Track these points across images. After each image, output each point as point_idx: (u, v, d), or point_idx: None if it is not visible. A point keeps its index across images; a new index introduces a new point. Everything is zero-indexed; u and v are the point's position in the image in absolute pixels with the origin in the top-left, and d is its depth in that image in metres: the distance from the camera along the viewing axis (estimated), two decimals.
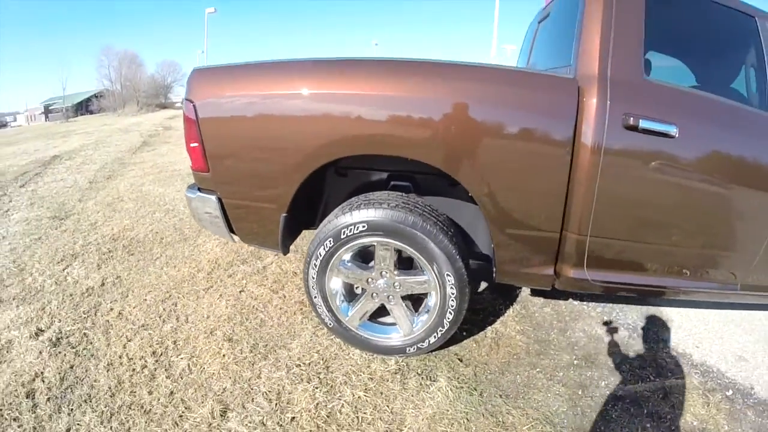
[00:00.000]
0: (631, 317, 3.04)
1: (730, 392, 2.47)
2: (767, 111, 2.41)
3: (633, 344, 2.73)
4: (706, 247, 2.46)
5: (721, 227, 2.44)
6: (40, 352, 2.44)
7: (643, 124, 2.01)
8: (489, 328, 2.73)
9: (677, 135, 2.05)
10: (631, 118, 2.00)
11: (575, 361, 2.50)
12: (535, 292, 3.20)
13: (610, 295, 3.21)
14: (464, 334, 2.60)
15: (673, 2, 2.54)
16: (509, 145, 2.03)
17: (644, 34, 2.11)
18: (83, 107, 59.76)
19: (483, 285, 3.26)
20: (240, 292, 3.10)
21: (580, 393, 2.24)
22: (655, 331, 2.92)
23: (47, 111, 64.46)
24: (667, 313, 3.14)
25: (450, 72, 2.09)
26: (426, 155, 2.05)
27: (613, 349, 2.70)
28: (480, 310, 2.90)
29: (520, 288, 3.21)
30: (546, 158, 2.01)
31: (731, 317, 3.16)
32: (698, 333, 2.96)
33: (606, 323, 2.96)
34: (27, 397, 2.11)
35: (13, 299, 3.07)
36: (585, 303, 3.13)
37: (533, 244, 2.22)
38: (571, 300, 3.15)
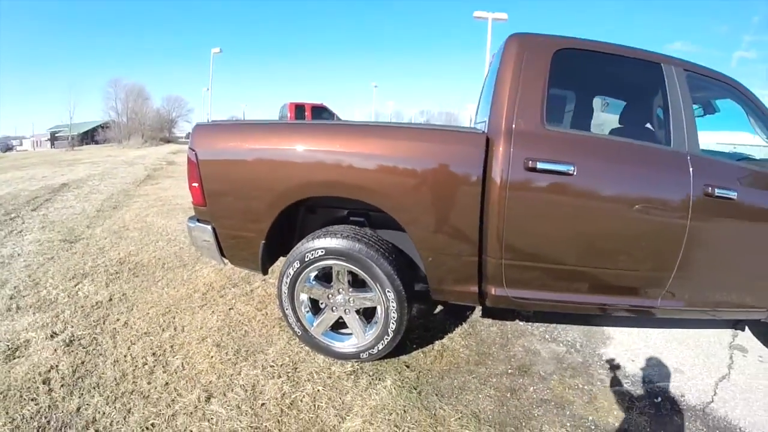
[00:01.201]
0: (571, 335, 3.44)
1: (659, 399, 2.79)
2: (670, 146, 2.80)
3: (569, 358, 3.09)
4: (615, 268, 2.83)
5: (627, 250, 2.81)
6: (55, 350, 2.88)
7: (541, 165, 2.50)
8: (437, 342, 3.14)
9: (575, 172, 2.52)
10: (530, 162, 2.49)
11: (509, 371, 2.88)
12: (485, 314, 3.64)
13: (537, 310, 3.62)
14: (414, 346, 3.04)
15: (578, 62, 3.04)
16: (431, 187, 2.56)
17: (546, 93, 2.62)
18: (89, 137, 60.12)
19: (439, 308, 3.72)
20: (229, 309, 3.57)
21: (508, 395, 2.62)
22: (593, 347, 3.29)
23: (53, 138, 64.98)
24: (609, 331, 3.53)
25: (385, 132, 2.73)
26: (366, 197, 2.60)
27: (549, 361, 3.04)
28: (431, 327, 3.35)
29: (472, 310, 3.67)
30: (460, 197, 2.52)
31: (675, 335, 3.53)
32: (636, 348, 3.32)
33: (546, 340, 3.35)
34: (43, 383, 2.55)
35: (30, 307, 3.52)
36: (530, 323, 3.56)
37: (457, 266, 2.70)
38: (517, 321, 3.58)
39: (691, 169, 2.67)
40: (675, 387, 2.90)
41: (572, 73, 3.24)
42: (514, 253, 2.64)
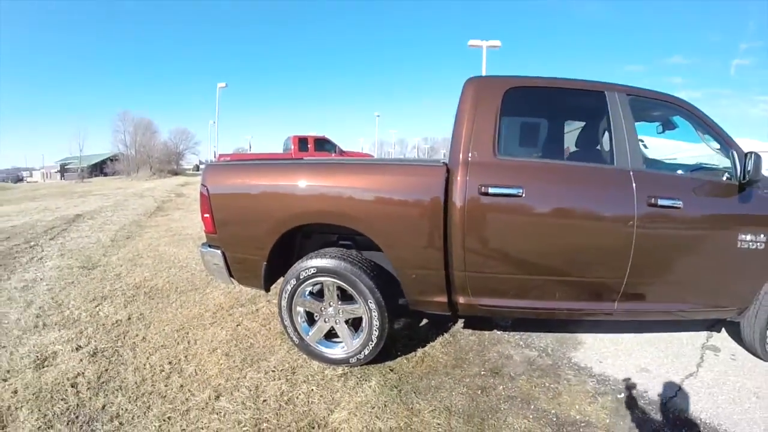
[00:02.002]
0: (544, 341, 3.76)
1: (622, 395, 3.04)
2: (613, 164, 3.12)
3: (540, 361, 3.41)
4: (569, 276, 3.15)
5: (579, 260, 3.14)
6: (81, 360, 3.28)
7: (492, 190, 2.92)
8: (419, 350, 3.49)
9: (523, 194, 2.93)
10: (483, 187, 2.92)
11: (482, 372, 3.21)
12: (465, 325, 4.01)
13: (505, 316, 3.98)
14: (398, 353, 3.41)
15: (527, 98, 3.50)
16: (401, 213, 3.02)
17: (497, 127, 3.06)
18: (98, 169, 61.09)
19: (423, 321, 4.10)
20: (237, 325, 3.96)
21: (479, 393, 2.94)
22: (563, 352, 3.60)
23: (63, 170, 66.04)
24: (582, 337, 3.84)
25: (363, 168, 3.26)
26: (349, 222, 3.08)
27: (520, 364, 3.36)
28: (415, 337, 3.72)
29: (454, 322, 4.04)
30: (426, 220, 2.96)
31: (648, 338, 3.83)
32: (606, 351, 3.62)
33: (520, 346, 3.67)
34: (72, 387, 2.93)
35: (55, 325, 3.93)
36: (506, 332, 3.91)
37: (427, 280, 3.11)
38: (494, 330, 3.93)
39: (634, 184, 3.00)
40: (639, 384, 3.15)
41: (522, 108, 3.71)
42: (476, 266, 3.03)
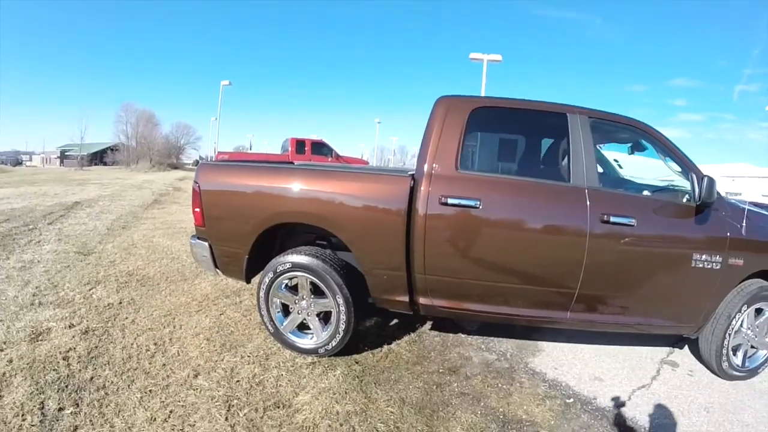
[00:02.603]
0: (505, 346, 3.98)
1: (571, 400, 3.20)
2: (569, 182, 3.31)
3: (497, 364, 3.62)
4: (523, 284, 3.33)
5: (532, 269, 3.32)
6: (73, 336, 3.55)
7: (451, 201, 3.18)
8: (385, 346, 3.75)
9: (481, 206, 3.17)
10: (443, 198, 3.17)
11: (440, 370, 3.43)
12: (433, 327, 4.29)
13: (465, 320, 4.24)
14: (366, 348, 3.68)
15: (491, 118, 3.78)
16: (369, 217, 3.29)
17: (461, 144, 3.31)
18: (98, 157, 60.93)
19: (394, 320, 4.38)
20: (220, 314, 4.24)
21: (434, 388, 3.17)
22: (522, 357, 3.81)
23: (63, 156, 65.77)
24: (542, 345, 4.05)
25: (338, 175, 3.52)
26: (322, 223, 3.36)
27: (478, 365, 3.57)
28: (383, 335, 3.99)
29: (422, 323, 4.32)
30: (390, 225, 3.22)
31: (607, 350, 4.02)
32: (563, 359, 3.82)
33: (480, 349, 3.90)
34: (63, 360, 3.20)
35: (50, 303, 4.20)
36: (470, 336, 4.16)
37: (390, 280, 3.38)
38: (459, 333, 4.19)
39: (588, 201, 3.21)
40: (590, 391, 3.33)
41: (485, 127, 3.93)
42: (435, 270, 3.29)
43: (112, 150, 56.15)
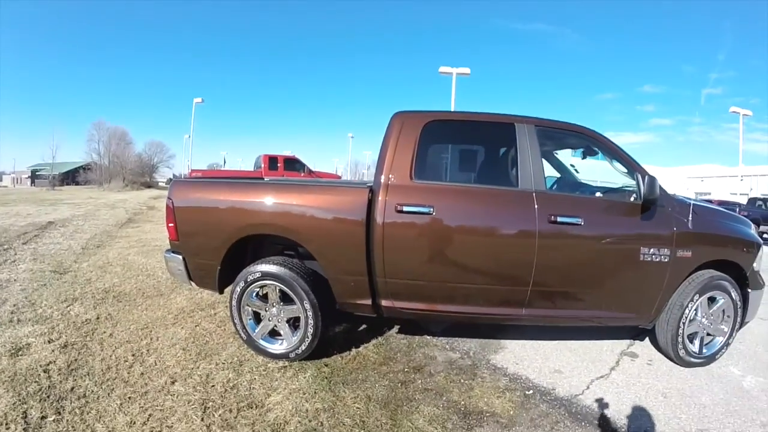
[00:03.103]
0: (468, 345, 4.19)
1: (531, 392, 3.37)
2: (518, 186, 3.55)
3: (460, 362, 3.82)
4: (479, 284, 3.54)
5: (486, 270, 3.54)
6: (53, 351, 3.68)
7: (406, 209, 3.42)
8: (354, 349, 3.93)
9: (434, 212, 3.41)
10: (399, 206, 3.41)
11: (405, 369, 3.62)
12: (400, 331, 4.51)
13: (426, 320, 4.47)
14: (335, 352, 3.87)
15: (444, 130, 4.03)
16: (331, 227, 3.51)
17: (415, 155, 3.55)
18: (70, 177, 59.99)
19: (362, 326, 4.58)
20: (195, 326, 4.41)
21: (399, 385, 3.35)
22: (484, 354, 4.01)
23: (34, 176, 64.68)
24: (504, 343, 4.27)
25: (300, 188, 3.76)
26: (288, 234, 3.57)
27: (442, 364, 3.76)
28: (352, 339, 4.19)
29: (390, 327, 4.54)
30: (351, 233, 3.45)
31: (569, 345, 4.24)
32: (524, 355, 4.02)
33: (445, 349, 4.09)
34: (44, 372, 3.33)
35: (29, 320, 4.31)
36: (435, 337, 4.38)
37: (353, 285, 3.59)
38: (425, 335, 4.41)
39: (535, 204, 3.45)
40: (549, 383, 3.51)
41: (438, 138, 4.14)
42: (394, 274, 3.51)
43: (84, 169, 55.47)
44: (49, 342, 3.84)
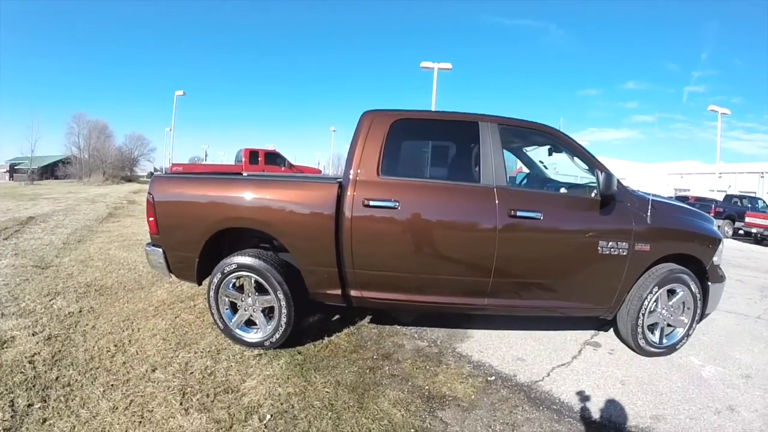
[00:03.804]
0: (436, 334, 4.40)
1: (493, 378, 3.53)
2: (480, 182, 3.70)
3: (427, 350, 4.01)
4: (443, 275, 3.69)
5: (450, 261, 3.68)
6: (37, 343, 3.83)
7: (373, 203, 3.59)
8: (326, 338, 4.14)
9: (399, 206, 3.58)
10: (366, 201, 3.58)
11: (374, 357, 3.81)
12: (371, 320, 4.72)
13: (393, 309, 4.65)
14: (308, 341, 4.07)
15: (410, 128, 4.12)
16: (303, 220, 3.66)
17: (382, 152, 3.72)
18: (49, 171, 58.89)
19: (336, 316, 4.79)
20: (176, 317, 4.59)
21: (367, 372, 3.52)
22: (451, 343, 4.20)
23: (12, 170, 63.36)
24: (471, 332, 4.46)
25: (273, 183, 3.89)
26: (262, 227, 3.72)
27: (409, 351, 3.94)
28: (325, 329, 4.39)
29: (362, 317, 4.75)
30: (322, 226, 3.61)
31: (534, 334, 4.44)
32: (489, 344, 4.20)
33: (414, 337, 4.29)
34: (29, 363, 3.49)
35: (13, 314, 4.45)
36: (406, 326, 4.59)
37: (324, 276, 3.76)
38: (395, 325, 4.62)
39: (496, 199, 3.61)
40: (510, 370, 3.69)
41: (405, 136, 4.22)
42: (362, 265, 3.69)
43: (63, 163, 54.56)
44: (33, 335, 3.99)
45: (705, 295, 4.11)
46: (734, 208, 21.23)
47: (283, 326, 3.73)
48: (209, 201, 3.82)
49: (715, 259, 4.12)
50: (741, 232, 19.82)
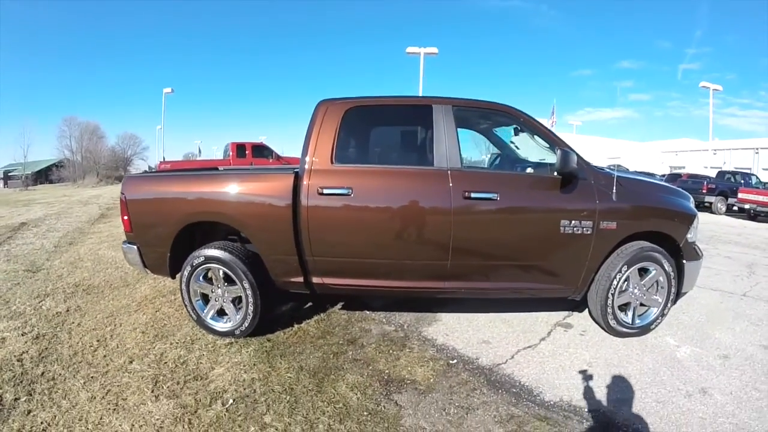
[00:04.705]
0: (404, 319, 4.49)
1: (455, 361, 3.55)
2: (433, 165, 3.72)
3: (393, 334, 4.10)
4: (401, 259, 3.75)
5: (406, 246, 3.72)
6: (26, 342, 4.10)
7: (326, 191, 3.65)
8: (296, 325, 4.29)
9: (352, 193, 3.64)
10: (320, 189, 3.65)
11: (340, 342, 3.93)
12: (343, 307, 4.91)
13: (355, 295, 4.78)
14: (279, 329, 4.27)
15: (364, 115, 4.14)
16: (261, 211, 3.77)
17: (336, 141, 3.78)
18: (43, 176, 58.86)
19: (308, 305, 5.00)
20: (156, 311, 4.85)
21: (331, 357, 3.67)
22: (417, 327, 4.27)
23: (6, 177, 63.34)
24: (440, 316, 4.55)
25: (234, 176, 4.02)
26: (225, 220, 3.88)
27: (375, 336, 4.03)
28: (296, 317, 4.59)
29: (333, 305, 4.95)
30: (280, 216, 3.70)
31: (504, 317, 4.48)
32: (457, 327, 4.25)
33: (381, 323, 4.39)
34: (18, 361, 3.76)
35: (3, 317, 4.71)
36: (376, 312, 4.71)
37: (285, 264, 3.87)
38: (365, 310, 4.75)
39: (450, 182, 3.61)
40: (474, 353, 3.70)
41: (358, 123, 4.19)
42: (321, 252, 3.78)
43: (57, 167, 54.67)
44: (22, 335, 4.25)
45: (680, 273, 4.04)
46: (727, 185, 20.95)
47: (251, 315, 3.88)
48: (175, 197, 3.96)
49: (689, 236, 4.02)
50: (735, 208, 19.64)
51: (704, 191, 20.66)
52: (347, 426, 2.81)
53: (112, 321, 4.60)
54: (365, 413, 2.95)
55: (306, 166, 3.77)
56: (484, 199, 3.63)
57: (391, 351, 3.79)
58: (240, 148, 22.83)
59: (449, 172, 3.67)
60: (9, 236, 9.57)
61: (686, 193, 4.36)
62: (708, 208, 20.40)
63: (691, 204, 4.23)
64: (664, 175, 26.16)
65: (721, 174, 23.26)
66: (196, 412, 3.02)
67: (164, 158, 31.48)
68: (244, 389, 3.25)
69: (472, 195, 3.61)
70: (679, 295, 4.15)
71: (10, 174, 62.98)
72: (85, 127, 54.78)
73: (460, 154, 3.77)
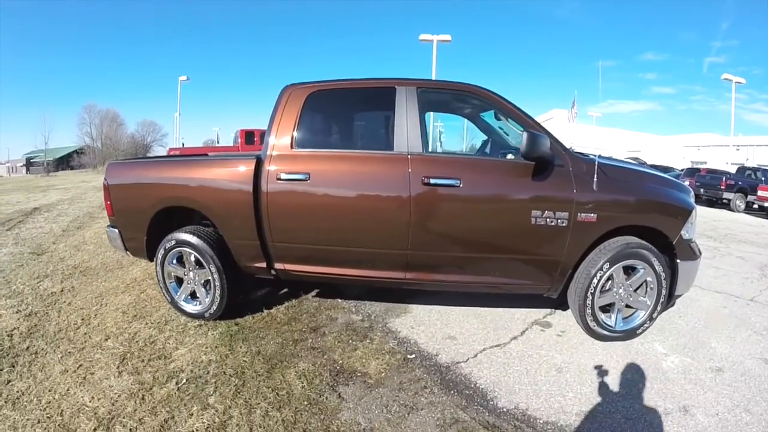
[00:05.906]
0: (373, 309, 4.47)
1: (413, 356, 3.46)
2: (393, 150, 3.59)
3: (358, 324, 4.08)
4: (359, 247, 3.68)
5: (364, 234, 3.64)
6: (18, 319, 4.44)
7: (284, 176, 3.64)
8: (266, 311, 4.37)
9: (309, 179, 3.58)
10: (279, 174, 3.64)
11: (304, 329, 3.96)
12: (317, 294, 4.95)
13: (316, 281, 4.79)
14: (249, 313, 4.38)
15: (327, 99, 4.06)
16: (223, 196, 3.82)
17: (296, 125, 3.75)
18: (64, 162, 59.90)
19: (284, 291, 5.06)
20: (141, 293, 5.15)
21: (290, 343, 3.70)
22: (385, 318, 4.21)
23: (29, 164, 64.71)
24: (411, 308, 4.46)
25: (201, 162, 4.19)
26: (194, 205, 3.96)
27: (340, 325, 4.04)
28: (268, 302, 4.62)
29: (307, 292, 5.00)
30: (241, 201, 3.74)
31: (478, 311, 4.32)
32: (425, 320, 4.17)
33: (350, 312, 4.39)
34: (8, 336, 4.09)
35: (2, 296, 5.07)
36: (347, 300, 4.72)
37: (248, 249, 3.93)
38: (338, 299, 4.76)
39: (409, 168, 3.47)
40: (435, 349, 3.58)
41: (320, 108, 4.10)
42: (281, 239, 3.81)
43: (78, 153, 55.86)
44: (17, 312, 4.59)
45: (673, 273, 3.67)
46: (747, 181, 19.61)
47: (218, 299, 4.00)
48: (148, 183, 4.14)
49: (684, 232, 3.63)
50: (755, 206, 18.37)
51: (723, 187, 19.96)
52: (283, 414, 2.84)
53: (99, 301, 4.90)
54: (305, 402, 2.95)
55: (267, 152, 3.77)
56: (444, 186, 3.43)
57: (350, 341, 3.77)
58: (249, 135, 23.12)
59: (409, 156, 3.51)
60: (21, 220, 9.98)
61: (684, 185, 4.01)
62: (726, 205, 19.84)
63: (689, 197, 3.84)
64: (682, 170, 25.56)
65: (742, 170, 22.14)
66: (151, 389, 3.22)
67: (183, 144, 32.04)
68: (199, 370, 3.37)
69: (431, 181, 3.42)
70: (672, 297, 3.80)
71: (32, 160, 64.43)
72: (105, 115, 56.14)
73: (425, 138, 3.60)
